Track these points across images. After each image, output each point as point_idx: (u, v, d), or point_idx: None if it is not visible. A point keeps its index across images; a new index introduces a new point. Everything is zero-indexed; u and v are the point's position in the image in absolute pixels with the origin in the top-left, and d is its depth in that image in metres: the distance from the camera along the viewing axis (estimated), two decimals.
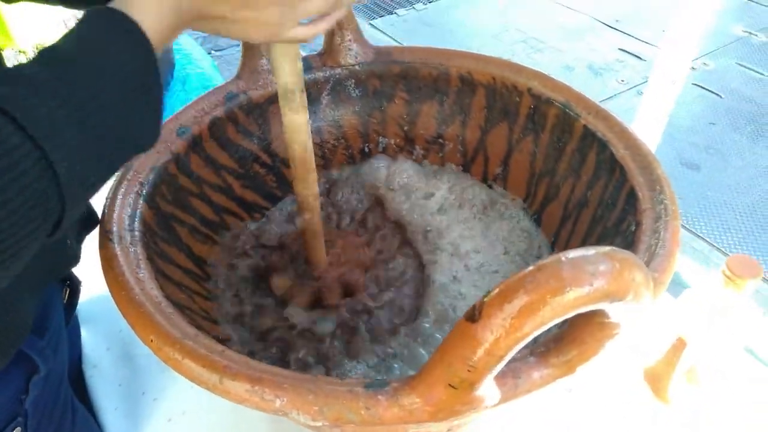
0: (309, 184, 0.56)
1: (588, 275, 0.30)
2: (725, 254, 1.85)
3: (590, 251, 0.31)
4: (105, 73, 0.34)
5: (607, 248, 0.31)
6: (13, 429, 0.46)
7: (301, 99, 0.51)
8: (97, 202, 0.58)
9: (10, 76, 0.31)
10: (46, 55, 0.33)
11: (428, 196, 0.71)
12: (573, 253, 0.31)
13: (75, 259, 0.54)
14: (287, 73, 0.49)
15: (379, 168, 0.74)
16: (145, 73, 0.36)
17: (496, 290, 0.31)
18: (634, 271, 0.31)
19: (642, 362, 0.66)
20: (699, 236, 1.90)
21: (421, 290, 0.63)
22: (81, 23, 0.35)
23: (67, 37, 0.34)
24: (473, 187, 0.72)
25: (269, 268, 0.64)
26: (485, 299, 0.31)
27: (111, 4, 0.36)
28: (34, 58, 0.33)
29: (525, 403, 0.61)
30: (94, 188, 0.36)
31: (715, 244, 1.88)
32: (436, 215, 0.70)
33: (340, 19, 0.46)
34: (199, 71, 1.56)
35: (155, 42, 0.36)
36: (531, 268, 0.30)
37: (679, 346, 0.60)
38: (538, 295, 0.29)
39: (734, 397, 0.62)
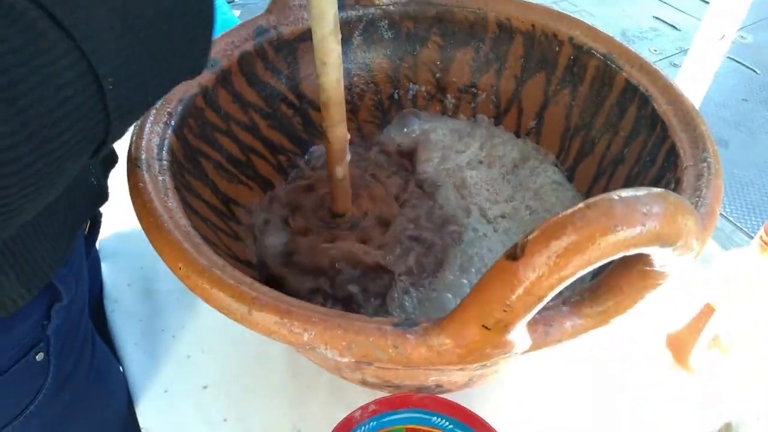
0: (338, 128, 0.54)
1: (641, 215, 0.28)
2: (748, 235, 1.81)
3: (642, 191, 0.29)
4: None
5: (660, 190, 0.30)
6: (36, 353, 0.47)
7: (336, 36, 0.48)
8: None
9: None
10: None
11: (459, 153, 0.70)
12: (625, 193, 0.29)
13: (104, 196, 0.53)
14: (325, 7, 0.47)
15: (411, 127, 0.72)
16: None
17: (542, 227, 0.29)
18: (687, 216, 0.30)
19: (666, 328, 0.64)
20: (722, 215, 1.86)
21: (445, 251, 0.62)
22: None
23: None
24: (504, 144, 0.70)
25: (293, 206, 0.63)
26: (529, 237, 0.30)
27: None
28: None
29: (547, 365, 0.61)
30: (140, 111, 0.34)
31: (738, 224, 1.85)
32: (466, 171, 0.68)
33: None
34: (224, 17, 1.53)
35: None
36: (580, 205, 0.29)
37: (707, 312, 0.59)
38: (587, 233, 0.28)
39: (759, 366, 0.61)
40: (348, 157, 0.55)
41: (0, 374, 0.44)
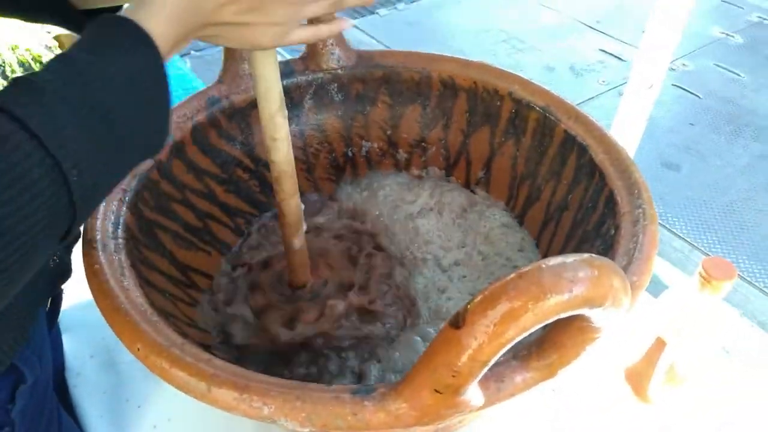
0: (292, 201, 0.56)
1: (567, 282, 0.30)
2: (705, 253, 1.88)
3: (569, 258, 0.32)
4: (116, 81, 0.34)
5: (585, 255, 0.32)
6: None
7: (283, 113, 0.50)
8: None
9: (22, 82, 0.31)
10: (58, 62, 0.33)
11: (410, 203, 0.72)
12: (553, 261, 0.31)
13: (67, 273, 0.53)
14: (267, 80, 0.49)
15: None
16: (156, 82, 0.36)
17: (479, 297, 0.31)
18: (613, 278, 0.32)
19: (623, 362, 0.67)
20: (679, 236, 1.93)
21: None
22: (92, 31, 0.35)
23: (78, 45, 0.34)
24: (452, 191, 0.73)
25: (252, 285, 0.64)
26: (468, 306, 0.32)
27: (121, 13, 0.36)
28: (45, 65, 0.33)
29: (509, 403, 0.63)
30: (103, 195, 0.36)
31: (694, 244, 1.91)
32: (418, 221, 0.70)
33: (340, 30, 0.47)
34: (178, 72, 1.55)
35: (164, 51, 0.37)
36: (512, 275, 0.31)
37: (659, 346, 0.61)
38: (519, 302, 0.30)
39: (712, 396, 0.64)
40: (304, 227, 0.57)
41: None
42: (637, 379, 0.65)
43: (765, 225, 1.98)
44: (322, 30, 0.46)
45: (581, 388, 0.65)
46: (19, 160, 0.29)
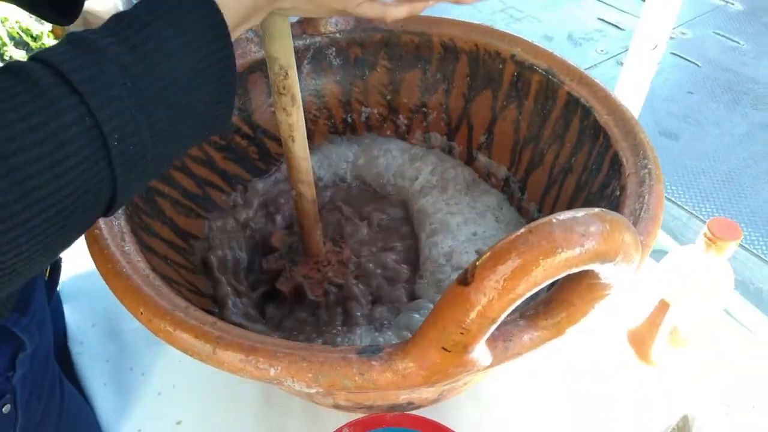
0: (303, 169, 0.55)
1: (579, 236, 0.30)
2: (703, 222, 1.88)
3: (580, 213, 0.31)
4: (173, 44, 0.32)
5: (596, 210, 0.31)
6: (3, 405, 0.46)
7: (292, 76, 0.49)
8: None
9: (74, 38, 0.30)
10: (114, 19, 0.31)
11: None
12: (563, 215, 0.31)
13: None
14: (279, 50, 0.48)
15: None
16: (219, 52, 0.33)
17: (488, 253, 0.31)
18: (624, 232, 0.31)
19: (626, 325, 0.67)
20: (678, 204, 1.93)
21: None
22: None
23: (139, 5, 0.32)
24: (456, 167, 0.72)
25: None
26: (477, 263, 0.31)
27: None
28: (103, 24, 0.31)
29: (513, 366, 0.63)
30: (153, 170, 0.33)
31: (693, 212, 1.91)
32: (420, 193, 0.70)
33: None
34: None
35: (230, 23, 0.34)
36: (522, 230, 0.31)
37: (662, 308, 0.61)
38: (530, 257, 0.30)
39: (715, 359, 0.64)
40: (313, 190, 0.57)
41: None
42: (641, 341, 0.65)
43: (764, 193, 1.98)
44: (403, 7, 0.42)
45: (585, 351, 0.65)
46: (55, 116, 0.27)
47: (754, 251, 1.77)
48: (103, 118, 0.28)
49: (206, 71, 0.33)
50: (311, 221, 0.59)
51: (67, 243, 0.31)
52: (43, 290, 0.55)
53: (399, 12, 0.42)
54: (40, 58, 0.29)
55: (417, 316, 0.58)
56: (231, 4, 0.35)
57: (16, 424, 0.48)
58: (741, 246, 1.79)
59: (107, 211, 0.32)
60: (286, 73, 0.48)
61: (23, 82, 0.27)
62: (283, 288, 0.61)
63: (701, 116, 2.31)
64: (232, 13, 0.35)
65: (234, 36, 0.35)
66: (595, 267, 0.32)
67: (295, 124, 0.51)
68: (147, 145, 0.31)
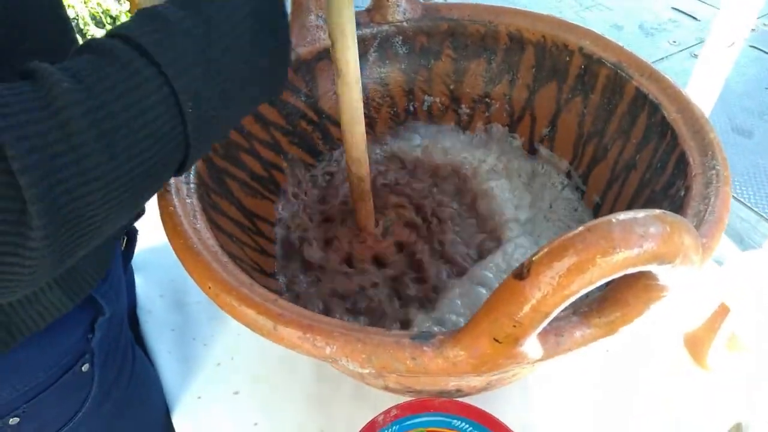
0: (357, 142, 0.57)
1: (638, 236, 0.30)
2: None
3: (640, 213, 0.31)
4: (239, 15, 0.34)
5: (657, 211, 0.31)
6: (83, 364, 0.50)
7: (354, 43, 0.50)
8: None
9: (147, 12, 0.32)
10: None
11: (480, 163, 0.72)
12: (623, 215, 0.31)
13: (142, 210, 0.56)
14: (345, 17, 0.49)
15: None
16: (276, 18, 0.37)
17: (546, 249, 0.31)
18: (684, 235, 0.31)
19: (682, 328, 0.66)
20: (747, 205, 1.83)
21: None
22: None
23: None
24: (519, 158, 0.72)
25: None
26: (534, 258, 0.32)
27: None
28: None
29: (564, 363, 0.63)
30: (220, 133, 0.37)
31: (763, 214, 1.82)
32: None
33: None
34: None
35: None
36: (581, 228, 0.31)
37: (722, 312, 0.60)
38: (587, 255, 0.30)
39: None
40: (367, 167, 0.58)
41: (49, 385, 0.48)
42: (697, 345, 0.64)
43: None
44: None
45: (639, 352, 0.64)
46: (136, 86, 0.30)
47: None
48: (179, 87, 0.31)
49: (263, 34, 0.36)
50: (362, 197, 0.60)
51: (146, 198, 0.35)
52: (120, 260, 0.58)
53: None
54: (118, 33, 0.31)
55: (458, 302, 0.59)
56: None
57: (93, 382, 0.52)
58: None
59: (179, 171, 0.36)
60: (333, 45, 0.50)
61: (107, 56, 0.30)
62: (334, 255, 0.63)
63: None
64: None
65: None
66: (653, 268, 0.32)
67: (341, 96, 0.53)
68: (217, 108, 0.34)
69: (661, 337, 0.66)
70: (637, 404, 0.60)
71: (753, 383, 0.60)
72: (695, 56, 2.48)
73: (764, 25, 2.61)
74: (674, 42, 2.54)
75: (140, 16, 0.32)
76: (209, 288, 0.42)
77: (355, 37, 0.50)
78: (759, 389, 0.59)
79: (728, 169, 0.50)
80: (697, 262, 0.33)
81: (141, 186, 0.32)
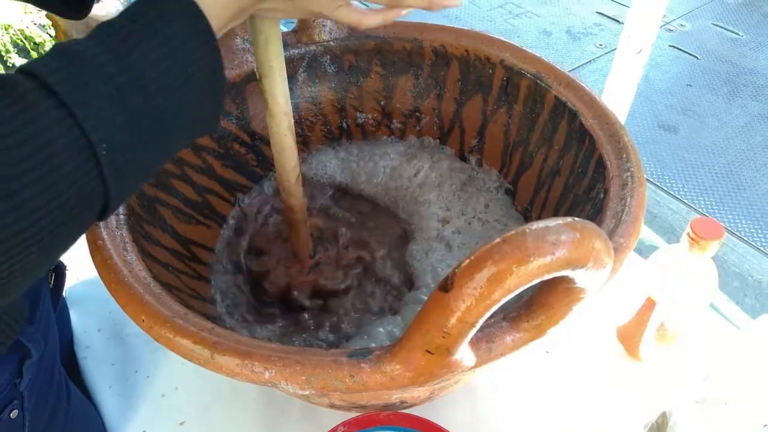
0: (288, 173, 0.57)
1: (550, 245, 0.32)
2: (702, 214, 1.89)
3: (552, 222, 0.33)
4: (160, 52, 0.32)
5: (568, 219, 0.33)
6: (11, 411, 0.48)
7: (282, 78, 0.51)
8: None
9: (59, 49, 0.30)
10: (99, 29, 0.32)
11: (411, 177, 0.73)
12: (536, 225, 0.33)
13: None
14: (271, 54, 0.49)
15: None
16: (206, 56, 0.34)
17: (466, 261, 0.33)
18: (594, 240, 0.33)
19: (615, 322, 0.69)
20: (677, 198, 1.94)
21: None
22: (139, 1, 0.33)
23: (123, 14, 0.33)
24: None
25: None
26: (456, 270, 0.33)
27: None
28: (89, 34, 0.32)
29: (504, 365, 0.65)
30: (143, 175, 0.35)
31: (692, 205, 1.92)
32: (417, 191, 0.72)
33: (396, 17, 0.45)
34: None
35: (216, 26, 0.35)
36: (497, 240, 0.32)
37: (649, 305, 0.63)
38: (504, 265, 0.31)
39: (699, 355, 0.66)
40: (303, 198, 0.58)
41: None
42: (629, 338, 0.67)
43: (762, 185, 1.99)
44: (379, 15, 0.43)
45: (575, 348, 0.67)
46: (43, 128, 0.28)
47: (753, 243, 1.79)
48: (90, 129, 0.29)
49: (194, 77, 0.34)
50: (295, 227, 0.61)
51: (62, 249, 0.32)
52: (49, 298, 0.57)
53: (373, 20, 0.43)
54: (26, 70, 0.29)
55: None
56: (215, 7, 0.35)
57: (24, 429, 0.50)
58: (740, 238, 1.80)
59: (101, 216, 0.33)
60: (260, 80, 0.50)
61: (10, 95, 0.28)
62: (271, 290, 0.63)
63: (700, 109, 2.32)
64: (217, 17, 0.36)
65: (218, 34, 0.36)
66: (568, 273, 0.34)
67: (270, 129, 0.53)
68: (137, 151, 0.32)
69: (597, 333, 0.68)
70: (575, 399, 0.63)
71: (679, 372, 0.64)
72: None
73: (681, 26, 2.76)
74: (600, 45, 2.65)
75: (55, 51, 0.30)
76: (143, 321, 0.42)
77: (284, 70, 0.50)
78: (684, 378, 0.63)
79: (642, 171, 0.53)
80: (609, 265, 0.35)
81: (53, 237, 0.30)
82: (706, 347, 0.66)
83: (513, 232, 0.32)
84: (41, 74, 0.29)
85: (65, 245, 0.32)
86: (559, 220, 0.33)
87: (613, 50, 2.64)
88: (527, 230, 0.32)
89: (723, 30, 2.73)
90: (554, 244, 0.32)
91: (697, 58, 2.58)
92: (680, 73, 2.51)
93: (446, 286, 0.33)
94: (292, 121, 0.53)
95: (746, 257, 1.75)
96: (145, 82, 0.32)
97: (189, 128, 0.36)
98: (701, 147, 2.16)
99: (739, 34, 2.70)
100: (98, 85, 0.30)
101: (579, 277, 0.35)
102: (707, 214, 1.89)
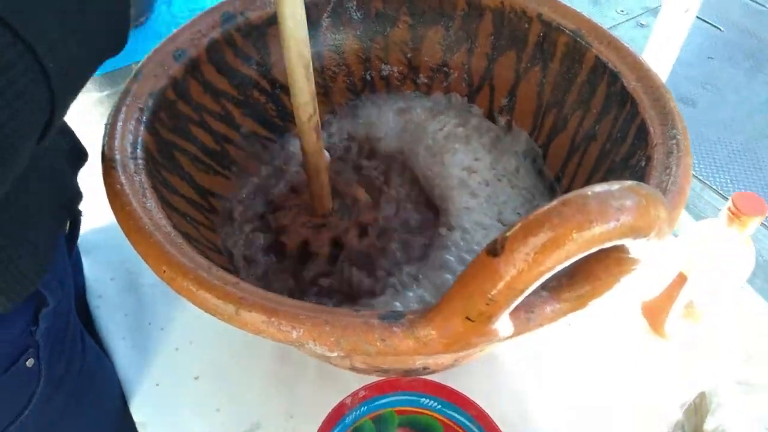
0: (302, 103, 0.54)
1: (614, 210, 0.29)
2: (717, 192, 1.86)
3: (615, 186, 0.30)
4: None
5: (632, 183, 0.31)
6: (27, 359, 0.47)
7: (302, 17, 0.47)
8: (85, 135, 0.56)
9: None
10: None
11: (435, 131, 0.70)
12: (599, 188, 0.30)
13: (79, 194, 0.52)
14: None
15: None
16: None
17: (519, 224, 0.30)
18: (659, 208, 0.31)
19: (640, 297, 0.67)
20: (692, 174, 1.90)
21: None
22: None
23: None
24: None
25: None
26: (508, 234, 0.31)
27: None
28: None
29: (528, 337, 0.63)
30: (78, 87, 0.35)
31: (707, 182, 1.89)
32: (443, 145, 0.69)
33: None
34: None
35: None
36: (555, 202, 0.30)
37: (679, 281, 0.61)
38: (563, 230, 0.29)
39: (731, 334, 0.64)
40: (326, 154, 0.55)
41: None
42: (655, 313, 0.65)
43: None
44: None
45: (598, 321, 0.65)
46: None
47: (765, 224, 1.76)
48: (35, 41, 0.29)
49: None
50: (317, 176, 0.58)
51: (10, 171, 0.32)
52: (64, 245, 0.55)
53: None
54: None
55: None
56: None
57: (40, 377, 0.48)
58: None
59: (43, 137, 0.33)
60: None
61: None
62: (288, 243, 0.61)
63: (720, 83, 2.27)
64: None
65: None
66: (627, 242, 0.31)
67: (285, 56, 0.50)
68: (76, 63, 0.33)
69: (620, 308, 0.67)
70: (599, 375, 0.61)
71: (712, 351, 0.62)
72: (642, 25, 2.52)
73: None
74: (622, 11, 2.57)
75: None
76: (164, 272, 0.40)
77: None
78: (716, 357, 0.61)
79: (688, 139, 0.51)
80: (669, 235, 0.33)
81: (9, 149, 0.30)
82: (738, 327, 0.64)
83: (573, 194, 0.30)
84: None
85: (12, 168, 0.32)
86: (622, 184, 0.30)
87: (634, 17, 2.57)
88: (589, 193, 0.30)
89: (749, 1, 2.65)
90: (618, 209, 0.29)
91: (721, 30, 2.50)
92: (702, 45, 2.44)
93: (495, 249, 0.31)
94: (308, 52, 0.49)
95: (758, 237, 1.73)
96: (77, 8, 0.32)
97: (104, 43, 0.37)
98: (719, 122, 2.11)
99: (765, 6, 2.62)
100: (44, 14, 0.30)
101: (636, 247, 0.33)
102: (721, 192, 1.85)
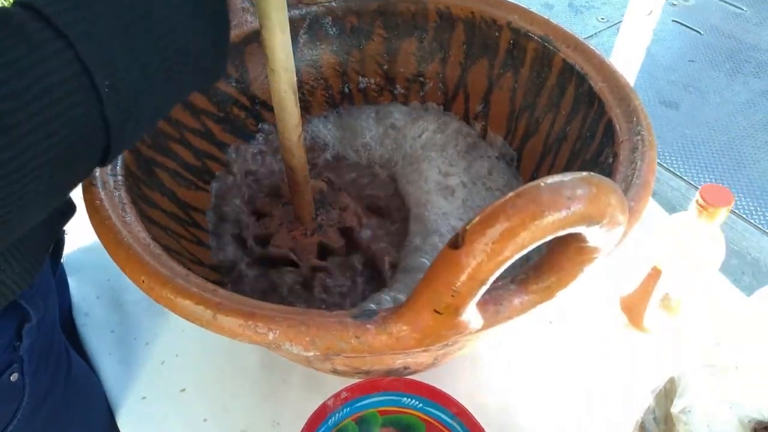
0: (289, 132, 0.55)
1: (565, 199, 0.30)
2: None
3: (567, 176, 0.32)
4: None
5: (584, 173, 0.32)
6: (11, 374, 0.47)
7: (282, 31, 0.49)
8: None
9: None
10: None
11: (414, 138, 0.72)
12: (551, 179, 0.31)
13: (72, 209, 0.53)
14: (273, 8, 0.47)
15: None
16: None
17: (478, 217, 0.32)
18: (610, 195, 0.32)
19: (619, 292, 0.68)
20: (677, 175, 1.93)
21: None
22: None
23: None
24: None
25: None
26: (467, 226, 0.32)
27: None
28: None
29: (507, 335, 0.64)
30: (149, 119, 0.33)
31: (692, 182, 1.91)
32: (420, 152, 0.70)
33: None
34: None
35: None
36: (511, 194, 0.31)
37: (654, 275, 0.62)
38: (518, 220, 0.30)
39: (705, 323, 0.65)
40: (304, 155, 0.57)
41: None
42: (633, 308, 0.66)
43: (763, 162, 1.98)
44: None
45: (579, 318, 0.66)
46: (40, 60, 0.26)
47: (752, 221, 1.78)
48: (92, 64, 0.27)
49: (200, 16, 0.33)
50: (297, 188, 0.59)
51: (62, 191, 0.31)
52: (48, 262, 0.56)
53: None
54: (23, 1, 0.28)
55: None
56: None
57: (24, 393, 0.49)
58: (739, 216, 1.79)
59: (104, 160, 0.32)
60: (261, 32, 0.48)
61: (5, 27, 0.26)
62: (274, 253, 0.62)
63: (702, 85, 2.30)
64: None
65: None
66: (581, 230, 0.33)
67: (271, 85, 0.51)
68: (142, 92, 0.30)
69: (600, 304, 0.68)
70: (579, 369, 0.62)
71: (683, 339, 0.63)
72: None
73: (684, 0, 2.72)
74: (603, 19, 2.61)
75: None
76: (143, 282, 0.41)
77: (286, 24, 0.48)
78: (688, 344, 0.62)
79: (653, 135, 0.52)
80: (623, 222, 0.34)
81: (52, 177, 0.28)
82: (712, 316, 0.65)
83: (527, 186, 0.31)
84: (40, 5, 0.27)
85: (65, 187, 0.31)
86: (574, 175, 0.32)
87: (614, 24, 2.61)
88: (542, 184, 0.31)
89: (726, 5, 2.69)
90: (570, 198, 0.30)
91: (700, 34, 2.54)
92: (683, 49, 2.48)
93: (457, 242, 0.32)
94: (295, 78, 0.51)
95: (745, 235, 1.74)
96: (153, 20, 0.30)
97: (195, 72, 0.35)
98: (702, 124, 2.14)
99: (742, 9, 2.66)
100: (103, 19, 0.28)
101: (592, 234, 0.34)
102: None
